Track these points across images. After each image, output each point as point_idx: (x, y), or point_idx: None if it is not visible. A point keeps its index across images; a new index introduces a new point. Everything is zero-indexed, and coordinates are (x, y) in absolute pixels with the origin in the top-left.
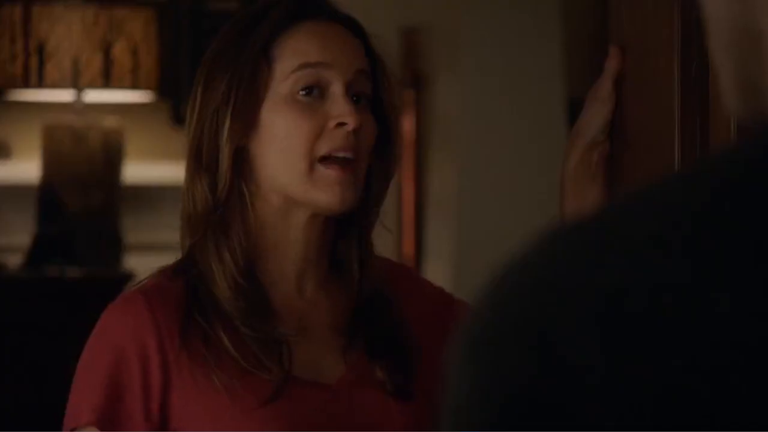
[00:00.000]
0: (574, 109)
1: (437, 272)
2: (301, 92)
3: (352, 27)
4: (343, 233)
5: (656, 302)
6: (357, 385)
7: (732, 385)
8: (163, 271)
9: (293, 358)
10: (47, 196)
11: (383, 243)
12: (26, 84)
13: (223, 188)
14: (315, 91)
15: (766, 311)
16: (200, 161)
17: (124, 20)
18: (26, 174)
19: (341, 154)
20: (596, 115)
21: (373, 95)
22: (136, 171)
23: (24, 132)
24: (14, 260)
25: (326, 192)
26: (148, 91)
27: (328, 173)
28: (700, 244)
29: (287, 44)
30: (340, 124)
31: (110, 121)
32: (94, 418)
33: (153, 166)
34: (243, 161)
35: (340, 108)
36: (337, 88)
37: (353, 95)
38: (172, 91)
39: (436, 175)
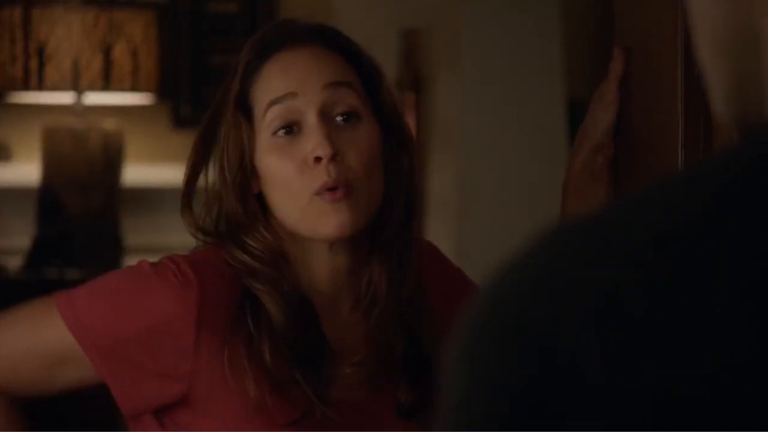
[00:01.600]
0: (574, 109)
1: None
2: (279, 132)
3: (326, 40)
4: (377, 249)
5: (656, 303)
6: (382, 408)
7: (731, 385)
8: (217, 252)
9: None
10: (47, 198)
11: None
12: (26, 86)
13: (261, 239)
14: (294, 128)
15: (765, 312)
16: (221, 207)
17: (124, 22)
18: (26, 176)
19: (329, 187)
20: (601, 117)
21: (373, 100)
22: (136, 173)
23: (24, 134)
24: (14, 262)
25: (323, 222)
26: (148, 93)
27: (322, 204)
28: (700, 244)
29: (256, 89)
30: (318, 158)
31: (110, 123)
32: (101, 364)
33: (153, 168)
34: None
35: (312, 141)
36: (310, 118)
37: (340, 114)
38: (172, 93)
39: (436, 176)
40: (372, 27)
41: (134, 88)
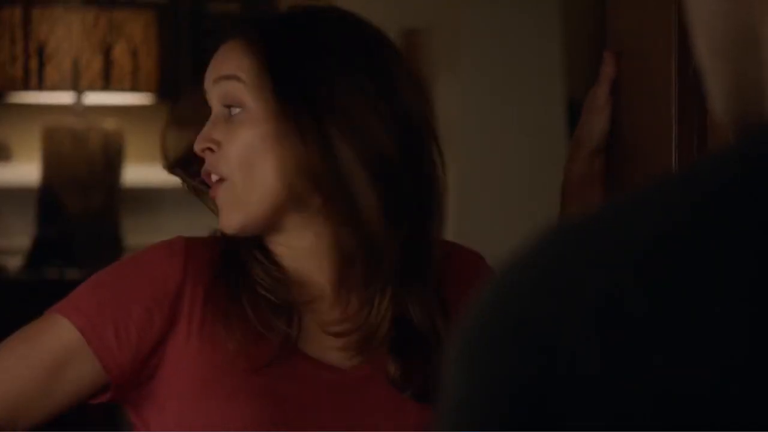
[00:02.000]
0: (574, 110)
1: None
2: None
3: (247, 31)
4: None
5: (655, 303)
6: (373, 378)
7: (731, 386)
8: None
9: (307, 336)
10: (47, 198)
11: None
12: (26, 86)
13: None
14: None
15: (764, 313)
16: None
17: (124, 22)
18: (26, 176)
19: (208, 178)
20: (595, 123)
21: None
22: (136, 173)
23: (24, 134)
24: (14, 262)
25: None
26: (148, 93)
27: (211, 196)
28: (700, 244)
29: None
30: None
31: (110, 123)
32: (81, 322)
33: (153, 168)
34: None
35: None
36: (213, 111)
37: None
38: (172, 93)
39: None
40: None
41: (134, 88)
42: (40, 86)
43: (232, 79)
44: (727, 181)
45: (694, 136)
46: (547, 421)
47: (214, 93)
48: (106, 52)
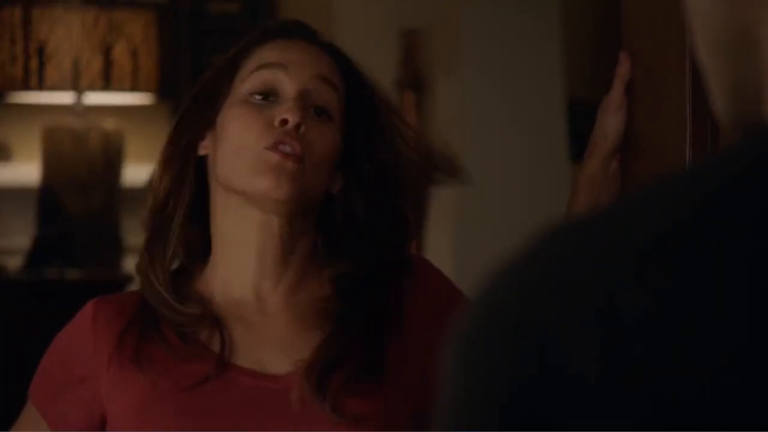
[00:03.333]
0: (574, 109)
1: None
2: (256, 96)
3: (330, 49)
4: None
5: (655, 303)
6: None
7: (731, 386)
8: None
9: (239, 348)
10: (47, 198)
11: None
12: (26, 86)
13: (177, 191)
14: (270, 97)
15: (764, 313)
16: (167, 164)
17: (124, 22)
18: (26, 176)
19: (283, 148)
20: (611, 125)
21: (352, 116)
22: (136, 173)
23: (24, 134)
24: (14, 262)
25: (266, 177)
26: (148, 93)
27: (270, 157)
28: (699, 244)
29: (254, 54)
30: (284, 121)
31: (110, 123)
32: (34, 395)
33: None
34: (204, 165)
35: (285, 107)
36: (289, 91)
37: (315, 107)
38: (172, 93)
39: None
40: (372, 27)
41: (134, 88)
42: (40, 86)
43: (333, 87)
44: (727, 181)
45: (708, 136)
46: (546, 421)
47: (308, 82)
48: (106, 52)
